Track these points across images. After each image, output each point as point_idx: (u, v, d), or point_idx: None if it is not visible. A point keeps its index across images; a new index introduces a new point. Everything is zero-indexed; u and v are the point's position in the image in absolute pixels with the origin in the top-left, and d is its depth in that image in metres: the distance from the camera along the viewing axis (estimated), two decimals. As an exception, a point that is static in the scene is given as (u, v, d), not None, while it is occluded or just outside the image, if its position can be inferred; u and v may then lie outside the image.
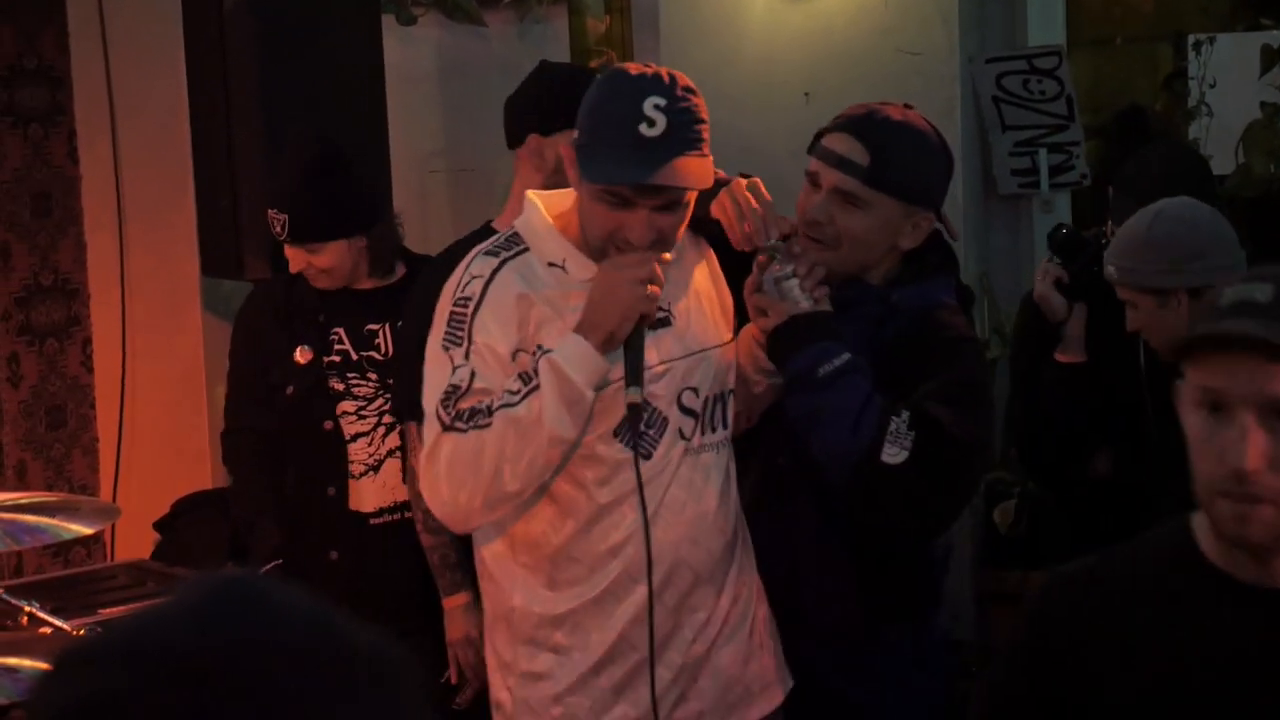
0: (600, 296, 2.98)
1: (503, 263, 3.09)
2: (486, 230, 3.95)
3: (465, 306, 3.05)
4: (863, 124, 3.28)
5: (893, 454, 3.09)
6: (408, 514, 4.05)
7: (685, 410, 3.15)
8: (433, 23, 5.39)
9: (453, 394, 3.00)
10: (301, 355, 4.29)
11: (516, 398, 2.96)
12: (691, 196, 3.07)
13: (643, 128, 2.90)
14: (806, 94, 5.03)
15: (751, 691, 3.28)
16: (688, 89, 3.05)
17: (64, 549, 4.80)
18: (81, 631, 3.33)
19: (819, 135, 3.46)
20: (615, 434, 3.13)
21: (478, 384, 3.00)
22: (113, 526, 4.50)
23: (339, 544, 4.40)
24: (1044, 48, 5.09)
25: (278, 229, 4.20)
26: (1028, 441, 4.87)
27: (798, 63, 5.10)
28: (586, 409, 2.99)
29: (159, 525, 4.93)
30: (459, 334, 3.06)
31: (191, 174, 4.97)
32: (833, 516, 3.59)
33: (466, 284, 3.11)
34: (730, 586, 3.26)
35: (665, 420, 3.13)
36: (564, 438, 2.97)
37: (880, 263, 3.37)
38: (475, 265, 3.15)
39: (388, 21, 5.09)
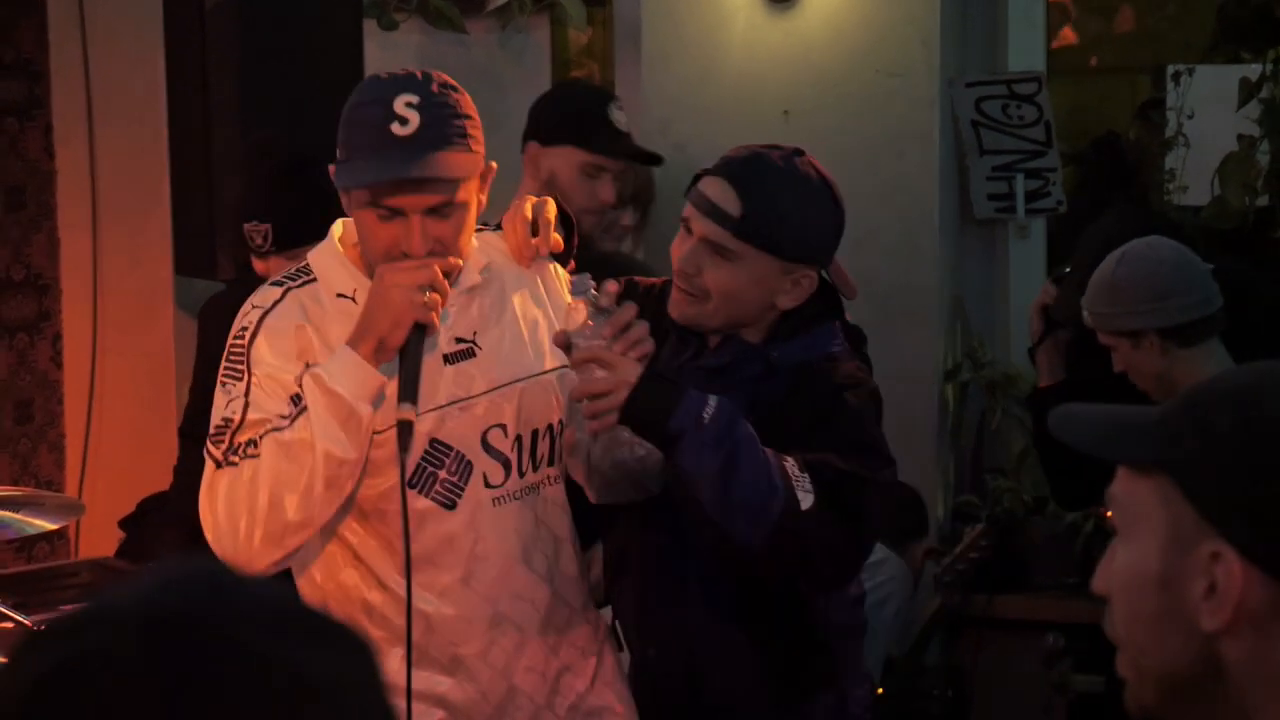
0: (372, 304, 2.81)
1: (285, 292, 2.94)
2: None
3: (242, 338, 2.91)
4: (741, 170, 3.10)
5: (803, 498, 2.89)
6: None
7: (492, 452, 2.95)
8: (414, 29, 5.39)
9: (224, 428, 2.85)
10: None
11: (286, 421, 2.78)
12: (467, 199, 2.89)
13: (394, 126, 2.78)
14: (786, 112, 4.99)
15: None
16: (446, 85, 2.93)
17: (27, 544, 4.79)
18: (43, 627, 3.23)
19: (697, 177, 3.25)
20: (410, 483, 2.90)
21: (253, 415, 2.83)
22: (77, 523, 4.50)
23: None
24: (1024, 73, 5.06)
25: (259, 241, 4.11)
26: (1048, 479, 4.78)
27: (778, 80, 5.07)
28: (361, 424, 2.78)
29: (124, 523, 4.84)
30: (238, 367, 2.91)
31: (168, 172, 4.99)
32: (728, 593, 3.39)
33: (245, 314, 2.97)
34: (571, 637, 3.07)
35: (469, 465, 2.94)
36: (341, 457, 2.77)
37: (757, 320, 3.15)
38: (258, 295, 3.02)
39: (369, 26, 5.11)
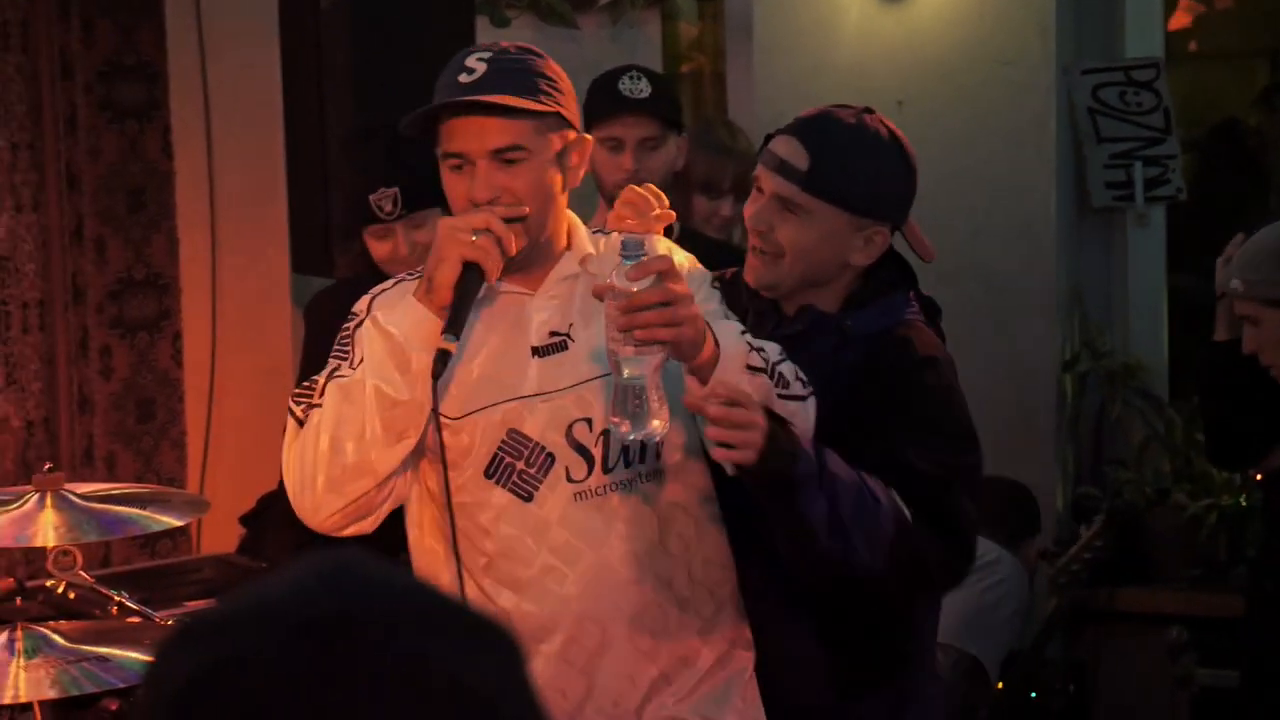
0: (431, 250, 2.80)
1: (398, 281, 2.96)
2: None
3: (352, 320, 2.89)
4: (808, 126, 3.06)
5: (904, 508, 2.89)
6: None
7: (576, 447, 2.85)
8: (526, 24, 5.43)
9: (309, 389, 2.86)
10: None
11: (347, 366, 2.80)
12: (537, 151, 2.77)
13: (461, 77, 2.74)
14: (899, 102, 4.95)
15: None
16: (526, 49, 2.90)
17: (150, 540, 4.85)
18: (169, 622, 3.31)
19: (769, 138, 3.23)
20: (486, 473, 2.89)
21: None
22: (199, 520, 4.55)
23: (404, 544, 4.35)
24: (1142, 59, 5.05)
25: (389, 207, 4.08)
26: (1206, 436, 4.68)
27: (891, 71, 5.10)
28: (411, 364, 2.71)
29: (244, 519, 4.84)
30: (345, 349, 2.88)
31: (284, 171, 5.06)
32: (799, 586, 3.30)
33: (361, 301, 2.96)
34: (673, 645, 2.95)
35: (551, 458, 2.85)
36: (393, 397, 2.72)
37: (832, 281, 3.09)
38: (376, 287, 3.01)
39: (481, 23, 5.14)
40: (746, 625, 3.07)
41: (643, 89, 4.67)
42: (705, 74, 6.08)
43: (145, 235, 5.49)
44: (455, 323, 2.71)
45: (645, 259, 2.72)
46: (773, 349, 2.92)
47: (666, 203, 3.17)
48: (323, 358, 4.39)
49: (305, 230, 5.05)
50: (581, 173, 2.93)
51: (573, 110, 2.87)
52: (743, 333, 2.92)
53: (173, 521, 3.59)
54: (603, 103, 4.66)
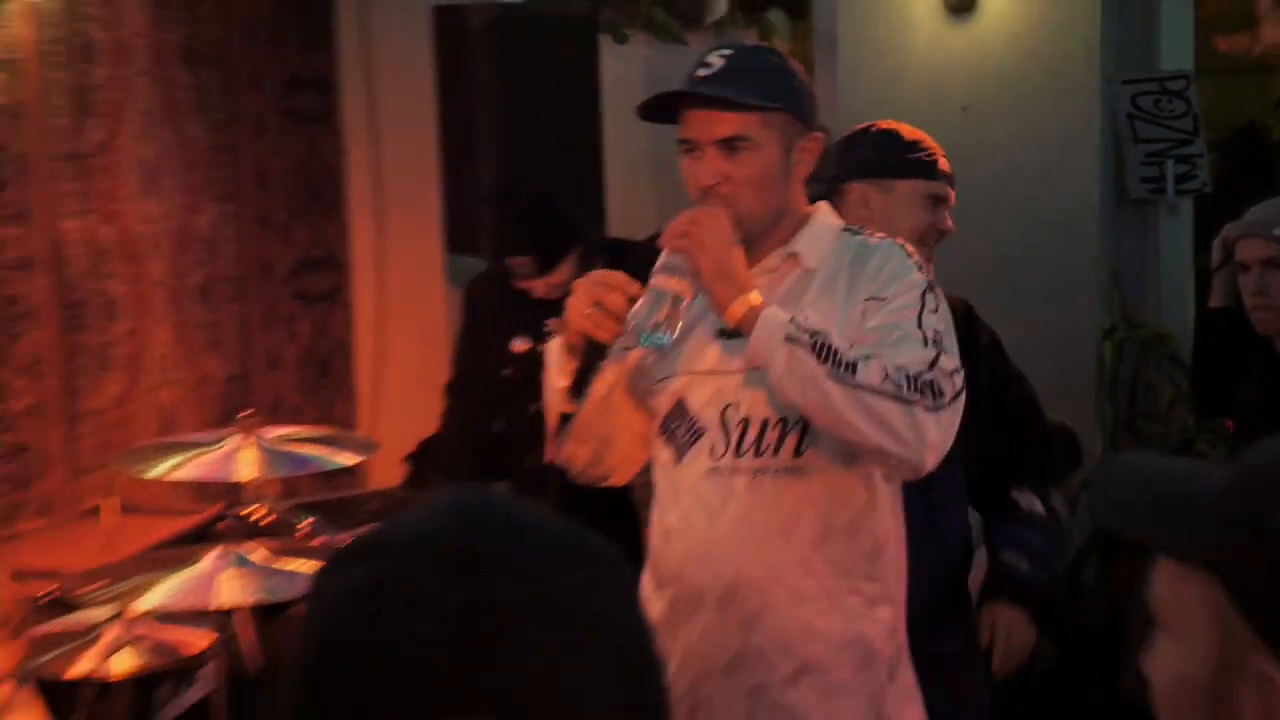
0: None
1: None
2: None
3: None
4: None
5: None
6: None
7: (723, 427, 2.80)
8: (642, 42, 5.68)
9: None
10: (519, 344, 4.52)
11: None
12: (763, 144, 2.72)
13: (700, 71, 2.72)
14: (964, 108, 5.19)
15: None
16: (767, 50, 2.98)
17: (329, 476, 4.89)
18: (351, 545, 3.59)
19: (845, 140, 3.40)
20: (660, 430, 2.92)
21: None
22: (368, 459, 4.59)
23: (543, 499, 4.44)
24: (1175, 72, 5.20)
25: (523, 269, 4.44)
26: (1194, 385, 4.70)
27: (958, 81, 5.26)
28: (553, 394, 2.81)
29: (407, 459, 5.17)
30: None
31: (438, 167, 5.36)
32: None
33: None
34: (765, 627, 2.81)
35: (700, 432, 2.82)
36: (549, 406, 2.85)
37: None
38: None
39: (604, 40, 5.42)
40: (875, 644, 2.85)
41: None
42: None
43: (322, 222, 5.84)
44: (579, 386, 2.77)
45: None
46: (871, 365, 2.65)
47: None
48: (476, 329, 4.69)
49: (456, 217, 5.33)
50: (808, 167, 2.82)
51: (805, 108, 2.79)
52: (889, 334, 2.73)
53: (347, 460, 3.78)
54: None
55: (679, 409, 2.83)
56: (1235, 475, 1.19)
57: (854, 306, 2.74)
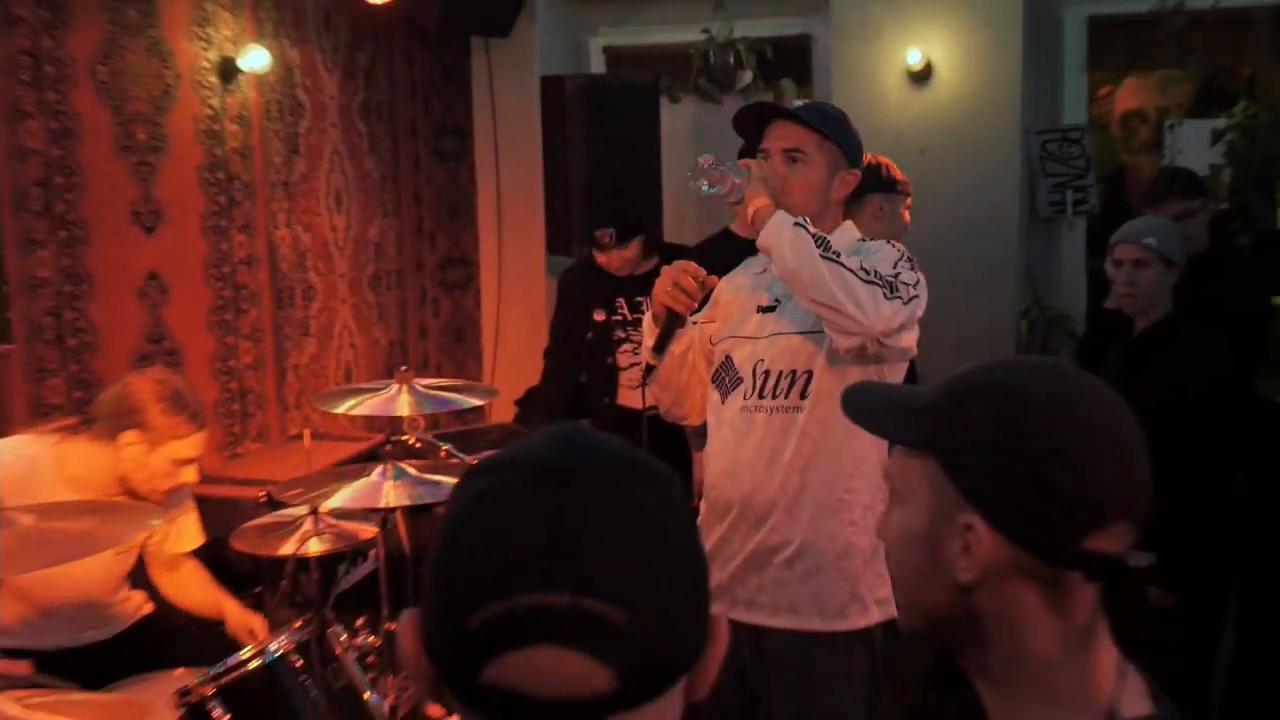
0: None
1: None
2: (725, 233, 4.01)
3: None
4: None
5: None
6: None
7: (754, 376, 2.81)
8: (690, 102, 5.76)
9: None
10: (598, 315, 4.59)
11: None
12: (817, 163, 2.73)
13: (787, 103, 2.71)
14: (922, 151, 5.22)
15: (805, 608, 2.80)
16: (834, 107, 2.89)
17: (462, 414, 5.14)
18: (471, 463, 3.26)
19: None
20: (712, 379, 2.93)
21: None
22: (490, 402, 4.70)
23: (615, 431, 4.70)
24: (1073, 125, 5.28)
25: (606, 240, 4.45)
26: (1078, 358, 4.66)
27: (918, 130, 5.28)
28: (647, 348, 2.92)
29: (517, 402, 5.35)
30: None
31: (542, 193, 5.38)
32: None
33: None
34: (771, 525, 2.81)
35: (739, 380, 2.84)
36: (647, 360, 2.96)
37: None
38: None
39: (663, 100, 5.45)
40: (852, 538, 2.81)
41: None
42: None
43: (459, 232, 5.99)
44: (660, 344, 2.85)
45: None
46: (858, 262, 2.64)
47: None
48: (567, 306, 4.72)
49: (555, 230, 5.34)
50: (844, 193, 2.82)
51: (851, 150, 2.79)
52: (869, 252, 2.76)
53: (475, 402, 3.78)
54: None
55: (727, 363, 2.85)
56: (946, 382, 1.25)
57: None
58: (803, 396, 2.74)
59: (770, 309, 2.81)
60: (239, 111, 4.81)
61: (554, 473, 0.92)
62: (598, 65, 6.06)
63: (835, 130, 2.74)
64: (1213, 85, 5.52)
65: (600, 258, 4.60)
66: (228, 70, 4.74)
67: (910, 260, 2.75)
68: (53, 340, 4.19)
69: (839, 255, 2.58)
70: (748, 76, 5.58)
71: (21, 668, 2.95)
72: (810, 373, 2.73)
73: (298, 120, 5.16)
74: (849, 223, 2.86)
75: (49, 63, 4.11)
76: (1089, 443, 1.16)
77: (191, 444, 3.25)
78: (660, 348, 2.84)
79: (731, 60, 5.55)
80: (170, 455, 3.20)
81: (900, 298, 2.65)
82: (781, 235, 2.59)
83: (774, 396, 2.76)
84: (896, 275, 2.67)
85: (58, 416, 4.05)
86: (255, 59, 4.78)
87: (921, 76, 5.38)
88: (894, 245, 2.80)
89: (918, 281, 2.72)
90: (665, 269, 2.79)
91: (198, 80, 4.62)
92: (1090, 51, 5.49)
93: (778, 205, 2.65)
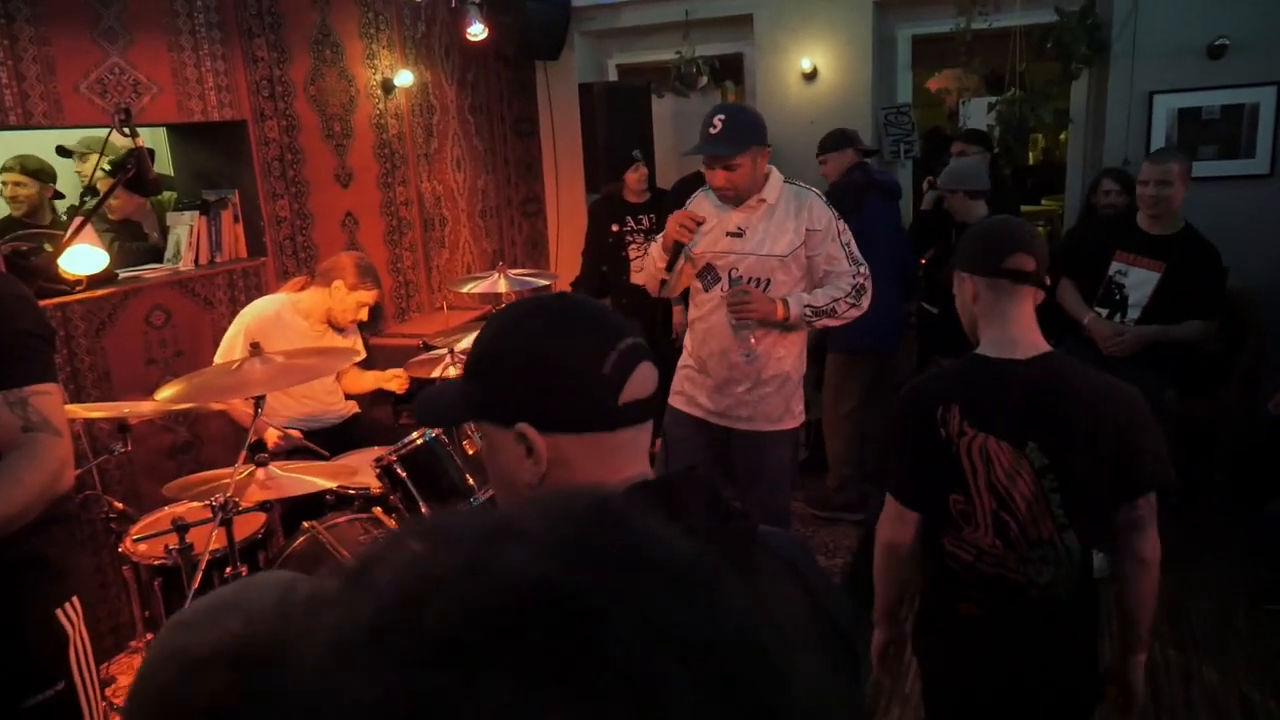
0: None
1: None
2: (695, 175, 3.83)
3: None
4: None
5: None
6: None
7: (729, 278, 2.63)
8: (670, 97, 5.56)
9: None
10: (614, 228, 4.60)
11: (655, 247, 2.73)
12: (744, 164, 2.52)
13: (710, 130, 2.50)
14: (812, 121, 5.07)
15: (765, 418, 2.68)
16: (742, 109, 2.58)
17: (538, 290, 4.69)
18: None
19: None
20: (698, 275, 2.73)
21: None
22: (553, 283, 4.33)
23: (625, 297, 4.54)
24: (904, 104, 5.12)
25: (638, 155, 4.54)
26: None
27: (808, 110, 5.13)
28: (655, 264, 2.66)
29: (571, 284, 5.10)
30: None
31: (582, 156, 5.26)
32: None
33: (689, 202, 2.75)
34: (744, 383, 2.66)
35: (719, 278, 2.66)
36: (652, 271, 2.70)
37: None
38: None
39: (653, 97, 5.34)
40: (786, 369, 2.66)
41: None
42: None
43: (532, 182, 5.89)
44: (670, 264, 2.61)
45: (739, 288, 2.56)
46: (830, 295, 2.57)
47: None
48: (595, 223, 4.63)
49: (590, 177, 5.21)
50: (764, 164, 2.60)
51: (761, 138, 2.56)
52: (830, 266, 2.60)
53: (543, 282, 3.71)
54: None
55: (708, 267, 2.67)
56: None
57: (800, 227, 2.59)
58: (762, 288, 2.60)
59: (738, 235, 2.61)
60: (395, 111, 4.81)
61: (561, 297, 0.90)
62: (613, 75, 5.95)
63: (745, 139, 2.50)
64: (991, 76, 5.30)
65: (629, 176, 4.53)
66: (388, 86, 4.75)
67: (840, 219, 2.61)
68: (290, 254, 4.31)
69: (835, 310, 2.55)
70: (704, 80, 5.41)
71: (296, 435, 3.11)
72: (769, 280, 2.60)
73: (431, 116, 5.12)
74: (776, 175, 2.62)
75: (279, 84, 4.15)
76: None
77: (370, 295, 3.27)
78: (670, 267, 2.62)
79: (695, 70, 5.39)
80: (357, 299, 3.23)
81: (865, 291, 2.59)
82: (804, 319, 2.55)
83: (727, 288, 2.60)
84: (857, 275, 2.57)
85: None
86: (404, 78, 4.80)
87: (811, 76, 5.26)
88: (833, 217, 2.59)
89: (849, 235, 2.61)
90: (672, 216, 2.60)
91: (370, 93, 4.63)
92: (913, 57, 5.37)
93: (779, 303, 2.54)
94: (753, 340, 2.58)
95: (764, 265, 2.59)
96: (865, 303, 2.57)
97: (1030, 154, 7.58)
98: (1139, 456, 1.60)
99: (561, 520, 0.37)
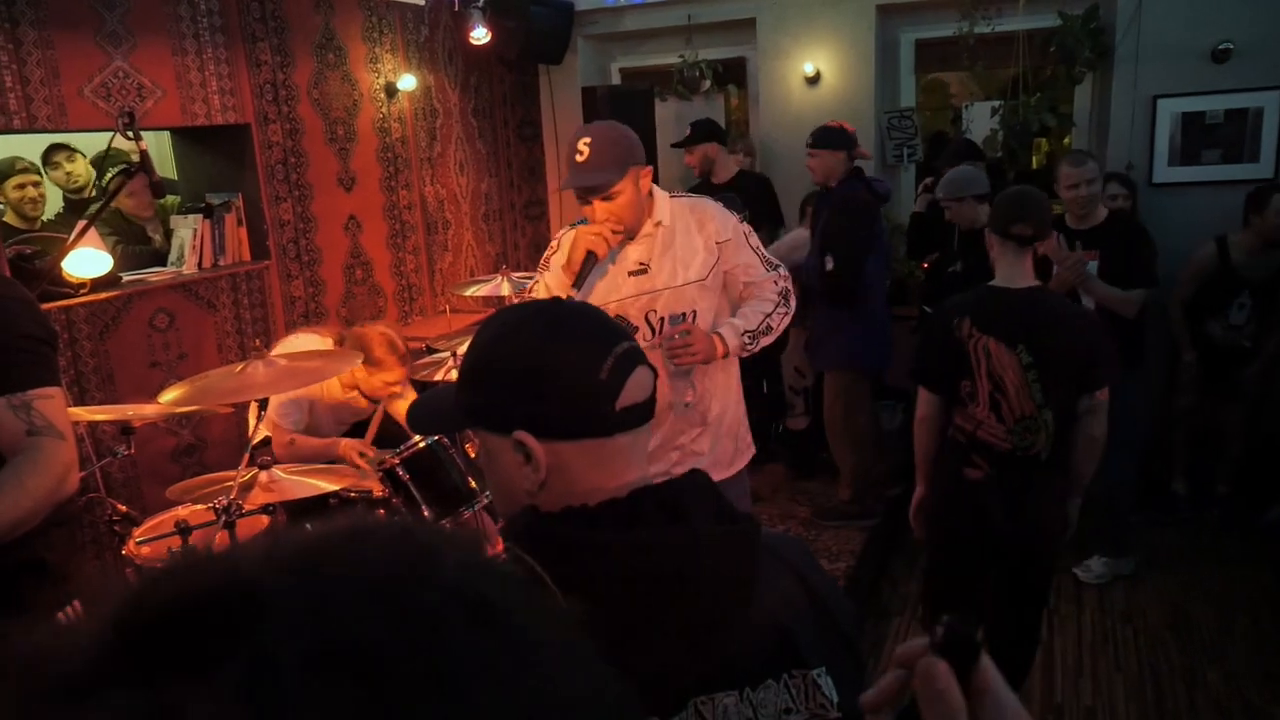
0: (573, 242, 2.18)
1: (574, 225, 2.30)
2: (699, 187, 3.93)
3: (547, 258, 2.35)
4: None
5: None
6: None
7: (647, 324, 2.28)
8: (673, 100, 5.58)
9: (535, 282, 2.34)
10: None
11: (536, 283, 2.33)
12: (624, 190, 2.13)
13: (576, 157, 2.11)
14: (815, 125, 4.71)
15: (718, 464, 2.36)
16: (613, 130, 2.16)
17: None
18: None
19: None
20: None
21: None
22: None
23: None
24: (907, 108, 5.10)
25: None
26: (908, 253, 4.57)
27: (811, 113, 5.09)
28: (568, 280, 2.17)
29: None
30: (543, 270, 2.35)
31: None
32: None
33: (552, 258, 2.36)
34: (688, 432, 2.34)
35: (634, 329, 2.28)
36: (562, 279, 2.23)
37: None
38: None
39: (656, 100, 5.29)
40: (736, 438, 2.42)
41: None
42: (740, 119, 6.09)
43: (535, 185, 5.88)
44: (579, 280, 2.17)
45: (682, 328, 2.22)
46: (760, 311, 2.27)
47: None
48: None
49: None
50: (648, 184, 2.22)
51: (638, 156, 2.18)
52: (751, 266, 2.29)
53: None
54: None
55: (620, 319, 2.23)
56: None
57: (709, 242, 2.25)
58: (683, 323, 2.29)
59: (641, 272, 2.23)
60: (398, 115, 4.85)
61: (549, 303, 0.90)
62: (616, 79, 5.95)
63: (621, 159, 2.12)
64: (993, 80, 5.31)
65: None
66: (391, 90, 4.78)
67: (745, 222, 2.33)
68: (294, 257, 4.32)
69: (770, 328, 2.25)
70: (707, 84, 5.41)
71: (392, 461, 2.85)
72: (694, 312, 2.26)
73: (434, 120, 5.13)
74: (660, 193, 2.27)
75: (282, 88, 4.17)
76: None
77: (395, 374, 3.01)
78: (579, 284, 2.17)
79: (697, 74, 5.38)
80: (383, 378, 3.03)
81: (790, 294, 2.31)
82: (744, 349, 2.25)
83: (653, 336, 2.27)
84: (778, 279, 2.30)
85: (300, 306, 4.14)
86: (407, 82, 4.83)
87: (814, 80, 5.25)
88: (737, 220, 2.30)
89: (755, 236, 2.33)
90: (585, 227, 2.21)
91: (373, 96, 4.68)
92: (916, 61, 5.34)
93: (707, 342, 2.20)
94: (690, 394, 2.26)
95: (682, 298, 2.24)
96: (794, 304, 2.30)
97: (1034, 158, 7.56)
98: (1096, 362, 2.32)
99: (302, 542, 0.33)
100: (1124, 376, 2.53)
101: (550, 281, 2.26)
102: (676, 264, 2.23)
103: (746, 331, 2.25)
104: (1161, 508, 4.02)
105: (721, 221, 2.28)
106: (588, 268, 2.17)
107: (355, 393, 3.10)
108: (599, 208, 2.15)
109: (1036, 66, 4.65)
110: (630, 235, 2.22)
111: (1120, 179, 4.10)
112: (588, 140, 2.10)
